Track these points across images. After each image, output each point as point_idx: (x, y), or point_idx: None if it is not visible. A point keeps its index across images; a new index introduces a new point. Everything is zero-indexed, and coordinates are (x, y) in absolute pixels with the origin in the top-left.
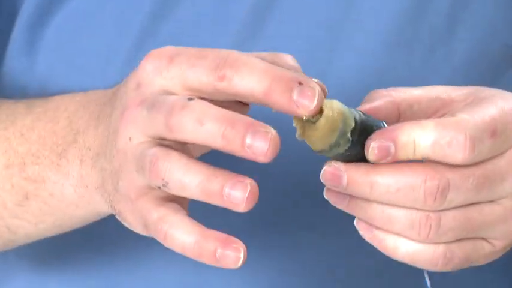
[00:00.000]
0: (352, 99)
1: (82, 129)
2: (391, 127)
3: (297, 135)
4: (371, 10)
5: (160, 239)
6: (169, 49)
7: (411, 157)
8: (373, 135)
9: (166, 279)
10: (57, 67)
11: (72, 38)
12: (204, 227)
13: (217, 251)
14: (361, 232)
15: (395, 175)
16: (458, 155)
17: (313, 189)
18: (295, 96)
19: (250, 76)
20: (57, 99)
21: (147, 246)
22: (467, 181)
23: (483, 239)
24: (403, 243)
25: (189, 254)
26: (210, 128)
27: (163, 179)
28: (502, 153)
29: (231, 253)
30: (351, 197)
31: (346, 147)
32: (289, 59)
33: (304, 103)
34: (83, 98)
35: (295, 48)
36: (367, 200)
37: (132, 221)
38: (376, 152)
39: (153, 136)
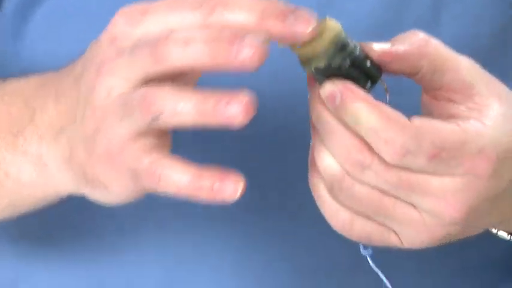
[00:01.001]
0: None
1: (39, 108)
2: (356, 91)
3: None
4: None
5: (153, 183)
6: (140, 3)
7: (349, 123)
8: (336, 80)
9: (152, 271)
10: (42, 54)
11: (59, 25)
12: (198, 165)
13: (214, 185)
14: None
15: (337, 126)
16: (386, 155)
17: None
18: (290, 19)
19: (240, 8)
20: (13, 83)
21: (134, 236)
22: (388, 175)
23: (393, 230)
24: (320, 185)
25: (185, 193)
26: (197, 47)
27: (156, 110)
28: (440, 175)
29: (228, 185)
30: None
31: (309, 71)
32: None
33: (300, 27)
34: (38, 79)
35: None
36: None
37: (111, 182)
38: (325, 93)
39: (135, 80)
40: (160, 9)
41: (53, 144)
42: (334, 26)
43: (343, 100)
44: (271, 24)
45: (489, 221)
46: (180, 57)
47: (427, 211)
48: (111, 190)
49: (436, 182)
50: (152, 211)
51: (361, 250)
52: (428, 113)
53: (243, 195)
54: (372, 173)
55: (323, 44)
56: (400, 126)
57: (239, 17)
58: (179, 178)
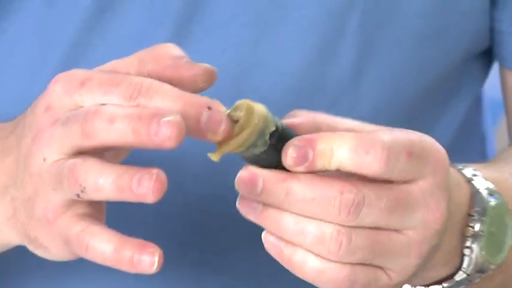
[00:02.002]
0: None
1: None
2: (311, 135)
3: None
4: (276, 58)
5: (82, 251)
6: (78, 72)
7: (327, 166)
8: (293, 140)
9: None
10: None
11: None
12: (122, 235)
13: (134, 256)
14: (267, 247)
15: (312, 183)
16: (374, 165)
17: (224, 213)
18: (204, 121)
19: (163, 103)
20: None
21: None
22: (381, 201)
23: (382, 269)
24: (311, 260)
25: (109, 263)
26: (120, 125)
27: (80, 185)
28: (415, 180)
29: (146, 258)
30: (264, 206)
31: (263, 150)
32: (171, 49)
33: (212, 127)
34: None
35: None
36: (280, 209)
37: (49, 245)
38: (294, 155)
39: (68, 151)
40: (96, 87)
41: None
42: (260, 110)
43: (316, 146)
44: (188, 123)
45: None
46: (106, 134)
47: (415, 226)
48: (50, 252)
49: (417, 189)
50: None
51: None
52: None
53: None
54: (366, 208)
55: (264, 117)
56: (372, 136)
57: (163, 107)
58: (104, 248)
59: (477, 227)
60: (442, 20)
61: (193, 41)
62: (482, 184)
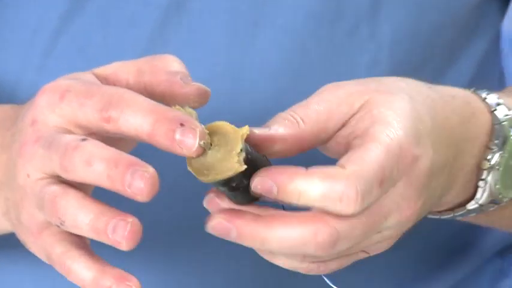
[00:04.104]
0: (276, 75)
1: None
2: (279, 169)
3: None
4: None
5: (63, 272)
6: (61, 84)
7: (294, 203)
8: (260, 172)
9: None
10: None
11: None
12: (103, 262)
13: (112, 286)
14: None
15: (285, 231)
16: (349, 209)
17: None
18: (177, 137)
19: (134, 117)
20: None
21: None
22: (356, 230)
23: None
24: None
25: None
26: (97, 168)
27: (60, 218)
28: (388, 192)
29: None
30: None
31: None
32: (170, 61)
33: (186, 144)
34: None
35: (219, 22)
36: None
37: (36, 251)
38: (258, 189)
39: (50, 173)
40: (74, 100)
41: None
42: (236, 133)
43: (282, 186)
44: (160, 139)
45: (435, 200)
46: (82, 174)
47: (389, 228)
48: (39, 256)
49: (388, 200)
50: None
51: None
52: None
53: None
54: (341, 242)
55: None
56: (344, 178)
57: (132, 125)
58: (83, 275)
59: (494, 160)
60: None
61: None
62: (504, 115)
